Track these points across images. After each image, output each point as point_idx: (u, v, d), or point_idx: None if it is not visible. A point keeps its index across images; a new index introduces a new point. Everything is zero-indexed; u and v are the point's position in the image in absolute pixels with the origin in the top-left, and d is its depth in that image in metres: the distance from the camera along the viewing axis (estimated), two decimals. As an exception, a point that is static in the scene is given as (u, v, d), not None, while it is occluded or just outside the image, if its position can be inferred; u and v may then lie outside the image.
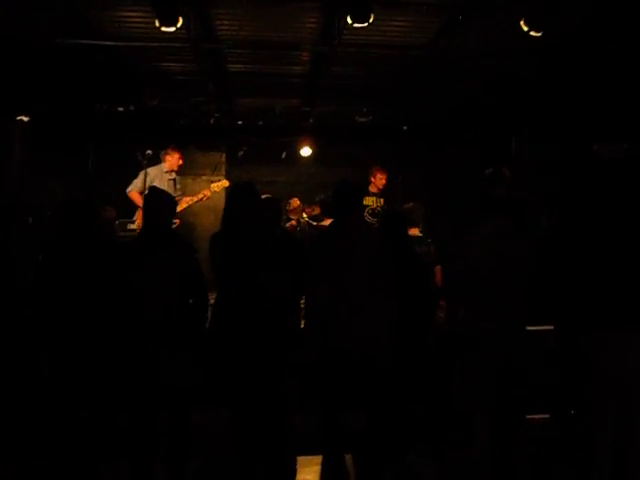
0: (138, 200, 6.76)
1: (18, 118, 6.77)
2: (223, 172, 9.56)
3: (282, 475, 3.93)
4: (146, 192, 6.58)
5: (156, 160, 7.08)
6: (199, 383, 3.89)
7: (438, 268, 5.07)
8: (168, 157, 7.01)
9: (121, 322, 3.52)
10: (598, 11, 5.43)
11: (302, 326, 4.09)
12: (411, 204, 5.38)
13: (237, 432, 3.79)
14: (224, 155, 9.64)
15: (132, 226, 6.88)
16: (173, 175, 7.02)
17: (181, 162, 7.13)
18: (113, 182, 7.72)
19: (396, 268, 3.91)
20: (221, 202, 9.36)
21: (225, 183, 7.42)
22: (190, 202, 7.39)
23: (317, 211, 7.83)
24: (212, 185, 7.33)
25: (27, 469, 4.02)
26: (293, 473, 4.01)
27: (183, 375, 3.60)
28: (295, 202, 7.92)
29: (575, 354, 3.51)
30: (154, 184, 6.64)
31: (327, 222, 7.13)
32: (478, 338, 3.67)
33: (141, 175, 6.87)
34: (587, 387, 3.41)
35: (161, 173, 6.97)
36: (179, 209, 6.74)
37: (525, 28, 5.26)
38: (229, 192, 3.93)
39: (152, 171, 6.91)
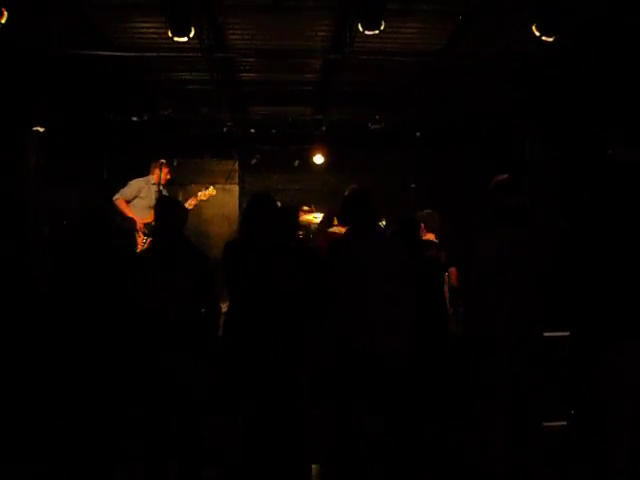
0: (124, 208, 6.92)
1: (34, 129, 6.85)
2: (236, 180, 9.60)
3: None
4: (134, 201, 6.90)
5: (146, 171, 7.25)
6: (212, 390, 3.89)
7: (453, 270, 5.05)
8: (156, 171, 7.18)
9: (134, 330, 3.55)
10: (611, 14, 5.39)
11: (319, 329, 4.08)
12: (426, 211, 5.38)
13: (250, 440, 3.79)
14: (237, 163, 9.67)
15: None
16: (160, 187, 7.16)
17: (169, 177, 7.29)
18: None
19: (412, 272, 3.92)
20: (235, 210, 9.52)
21: (212, 192, 7.44)
22: None
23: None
24: (199, 194, 7.38)
25: (42, 471, 4.05)
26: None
27: (195, 382, 3.62)
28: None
29: (592, 360, 3.48)
30: (140, 194, 6.96)
31: (336, 229, 7.15)
32: (494, 344, 3.64)
33: (129, 185, 7.05)
34: (604, 393, 3.38)
35: (148, 184, 7.11)
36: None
37: (537, 33, 5.23)
38: (247, 201, 3.97)
39: (139, 182, 7.09)
